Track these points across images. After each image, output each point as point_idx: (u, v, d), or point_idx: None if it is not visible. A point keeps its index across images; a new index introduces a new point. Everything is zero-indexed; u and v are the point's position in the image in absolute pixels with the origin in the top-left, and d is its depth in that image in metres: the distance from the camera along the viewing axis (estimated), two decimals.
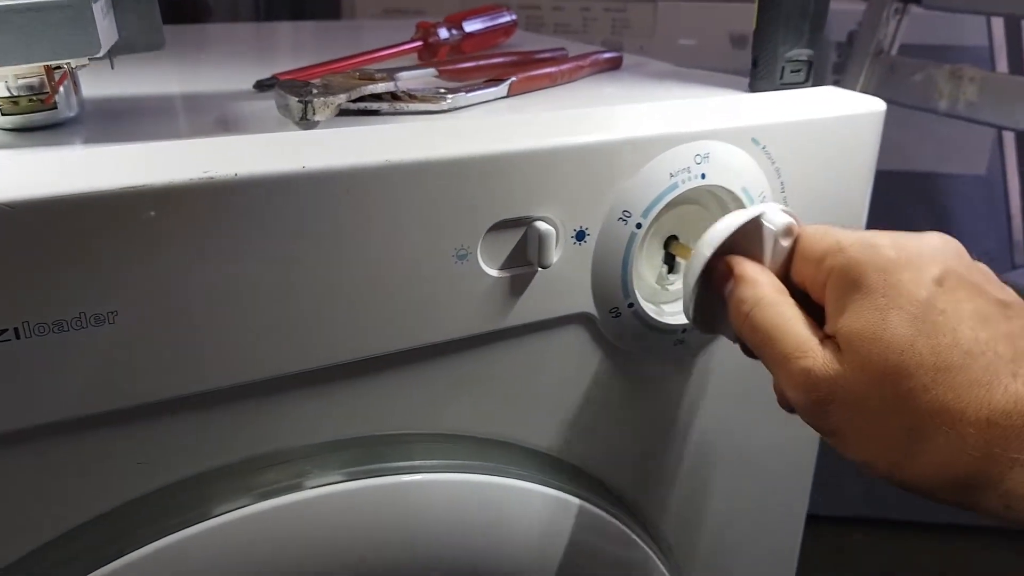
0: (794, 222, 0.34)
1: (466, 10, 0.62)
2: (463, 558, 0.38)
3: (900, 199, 1.24)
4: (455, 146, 0.32)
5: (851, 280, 0.31)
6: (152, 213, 0.27)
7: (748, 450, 0.48)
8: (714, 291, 0.35)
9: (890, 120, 0.43)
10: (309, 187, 0.29)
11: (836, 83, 1.21)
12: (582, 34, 1.17)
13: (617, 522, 0.42)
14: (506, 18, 0.64)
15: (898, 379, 0.28)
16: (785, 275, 0.35)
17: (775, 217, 0.34)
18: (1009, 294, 0.31)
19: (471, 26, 0.60)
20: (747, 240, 0.34)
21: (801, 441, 0.50)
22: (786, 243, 0.34)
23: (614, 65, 0.56)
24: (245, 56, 0.61)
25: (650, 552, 0.44)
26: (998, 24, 1.01)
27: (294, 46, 0.71)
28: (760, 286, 0.33)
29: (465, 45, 0.60)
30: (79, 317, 0.27)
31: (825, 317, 0.32)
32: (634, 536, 0.43)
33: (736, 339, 0.35)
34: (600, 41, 1.17)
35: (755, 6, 0.45)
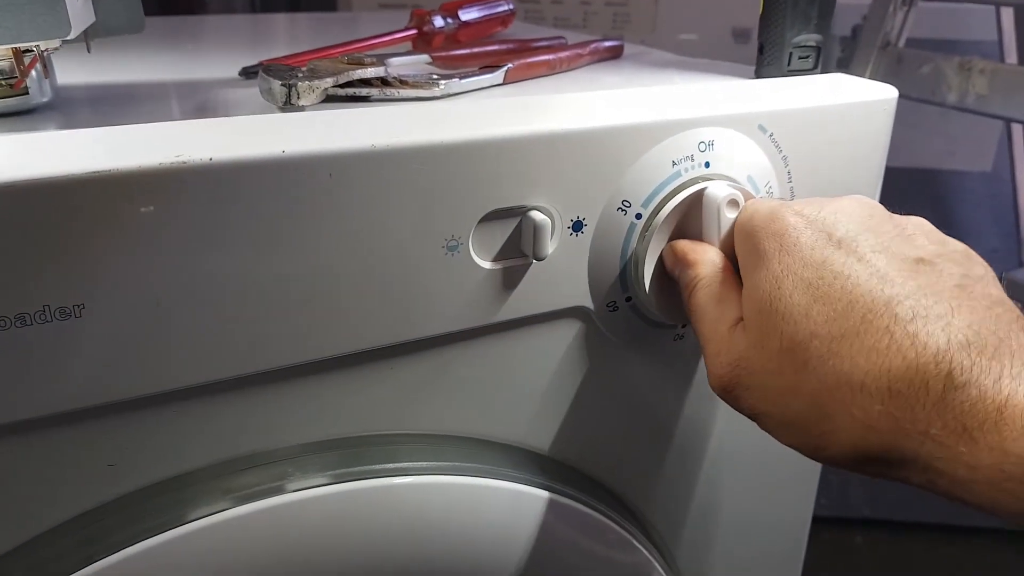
0: (738, 195, 0.33)
1: None
2: (454, 564, 0.37)
3: (904, 196, 1.22)
4: (446, 131, 0.30)
5: (751, 249, 0.30)
6: (121, 200, 0.26)
7: (752, 451, 0.46)
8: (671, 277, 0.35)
9: (894, 115, 0.42)
10: (289, 173, 0.28)
11: (848, 68, 1.18)
12: (582, 28, 1.15)
13: (615, 525, 0.40)
14: (503, 7, 0.62)
15: (794, 352, 0.27)
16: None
17: (718, 190, 0.34)
18: (936, 250, 0.28)
19: (467, 15, 0.58)
20: (699, 217, 0.34)
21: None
22: (732, 215, 0.34)
23: (615, 54, 0.54)
24: (235, 46, 0.60)
25: (650, 556, 0.42)
26: (1007, 15, 0.99)
27: (286, 37, 0.69)
28: (699, 266, 0.33)
29: (461, 34, 0.58)
30: (43, 311, 0.26)
31: None
32: (632, 539, 0.41)
33: None
34: (600, 35, 1.15)
35: None
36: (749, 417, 0.30)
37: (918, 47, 0.84)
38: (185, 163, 0.26)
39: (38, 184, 0.24)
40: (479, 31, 0.60)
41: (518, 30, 0.66)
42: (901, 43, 0.79)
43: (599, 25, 1.15)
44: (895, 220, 0.30)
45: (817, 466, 0.50)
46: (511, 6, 0.63)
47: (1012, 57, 0.96)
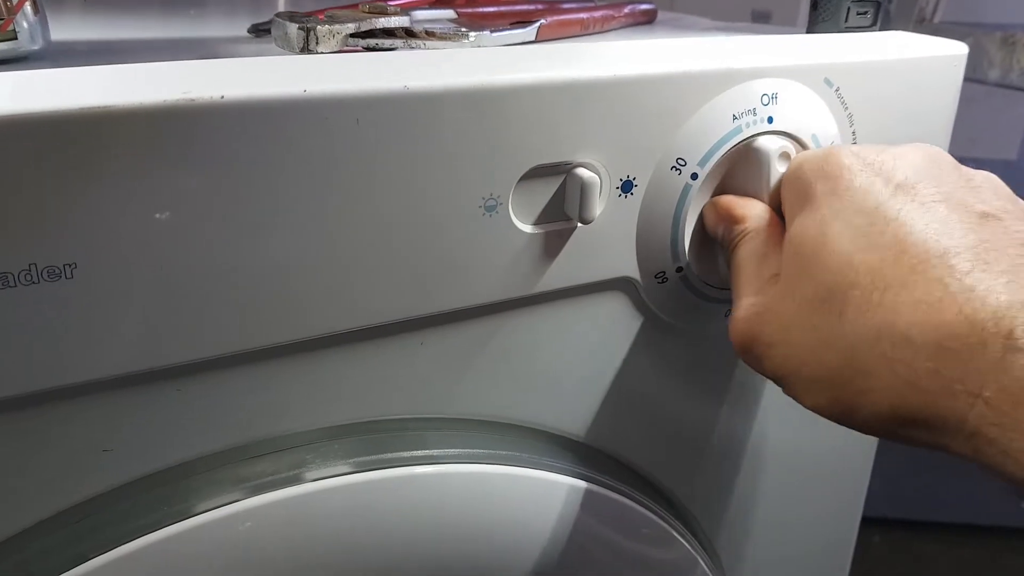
0: (791, 147, 0.31)
1: None
2: (484, 558, 0.33)
3: None
4: (486, 74, 0.27)
5: (799, 192, 0.28)
6: (118, 141, 0.22)
7: (804, 446, 0.42)
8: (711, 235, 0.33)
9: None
10: (311, 116, 0.24)
11: None
12: None
13: (658, 519, 0.37)
14: None
15: (830, 302, 0.24)
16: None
17: (769, 142, 0.31)
18: (1003, 206, 0.25)
19: None
20: (747, 171, 0.32)
21: (860, 440, 0.45)
22: (783, 169, 0.31)
23: (649, 18, 0.51)
24: (239, 8, 0.56)
25: (693, 552, 0.39)
26: None
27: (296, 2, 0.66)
28: (746, 220, 0.30)
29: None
30: (28, 270, 0.22)
31: None
32: (676, 534, 0.38)
33: None
34: None
35: None
36: (773, 380, 0.27)
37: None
38: (193, 100, 0.23)
39: (20, 120, 0.21)
40: None
41: None
42: (937, 19, 0.76)
43: None
44: (962, 171, 0.27)
45: (868, 465, 0.47)
46: None
47: None
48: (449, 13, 0.42)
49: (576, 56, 0.30)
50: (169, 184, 0.23)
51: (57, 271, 0.23)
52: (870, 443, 0.46)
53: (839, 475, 0.45)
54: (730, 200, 0.31)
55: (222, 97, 0.23)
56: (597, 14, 0.45)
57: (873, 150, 0.28)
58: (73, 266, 0.23)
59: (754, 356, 0.27)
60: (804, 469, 0.44)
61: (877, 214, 0.25)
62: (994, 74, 0.67)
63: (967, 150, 1.21)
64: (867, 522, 1.36)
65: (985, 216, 0.24)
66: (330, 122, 0.25)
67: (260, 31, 0.41)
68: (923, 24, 0.75)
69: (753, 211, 0.30)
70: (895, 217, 0.25)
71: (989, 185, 0.27)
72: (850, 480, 0.46)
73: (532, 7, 0.47)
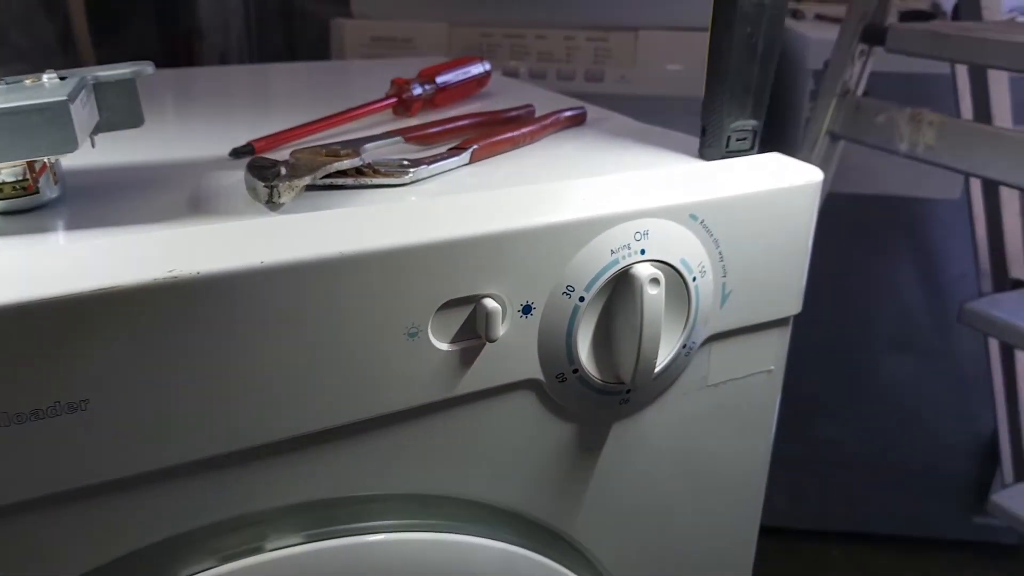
0: (659, 274, 0.39)
1: (439, 63, 0.65)
2: None
3: (876, 223, 1.27)
4: (406, 234, 0.35)
5: None
6: (120, 311, 0.30)
7: (696, 491, 0.50)
8: None
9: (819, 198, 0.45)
10: (268, 279, 0.32)
11: (812, 109, 1.20)
12: (565, 63, 1.19)
13: (569, 571, 0.44)
14: (479, 69, 0.67)
15: None
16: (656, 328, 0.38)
17: (641, 269, 0.39)
18: None
19: (444, 79, 0.63)
20: (624, 293, 0.39)
21: (747, 485, 0.53)
22: (654, 292, 0.39)
23: (578, 122, 0.58)
24: (228, 111, 0.63)
25: None
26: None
27: (278, 96, 0.73)
28: None
29: (439, 98, 0.62)
30: (54, 406, 0.30)
31: None
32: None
33: None
34: (583, 70, 1.20)
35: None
36: None
37: (880, 81, 0.88)
38: (176, 278, 0.30)
39: (49, 302, 0.29)
40: (456, 94, 0.64)
41: (495, 87, 0.70)
42: (860, 90, 0.84)
43: (582, 59, 1.20)
44: None
45: (758, 507, 0.54)
46: (486, 67, 0.67)
47: (967, 101, 1.00)
48: (398, 138, 0.49)
49: (484, 210, 0.38)
50: (159, 338, 0.31)
51: (75, 405, 0.30)
52: (758, 492, 0.53)
53: (733, 516, 0.53)
54: None
55: (198, 273, 0.31)
56: (527, 129, 0.52)
57: None
58: (87, 401, 0.31)
59: None
60: (701, 512, 0.51)
61: None
62: (903, 147, 0.75)
63: (915, 190, 1.29)
64: (826, 535, 1.42)
65: None
66: (283, 283, 0.32)
67: (240, 154, 0.48)
68: (847, 96, 0.83)
69: None
70: None
71: None
72: (742, 520, 0.54)
73: (473, 121, 0.55)
